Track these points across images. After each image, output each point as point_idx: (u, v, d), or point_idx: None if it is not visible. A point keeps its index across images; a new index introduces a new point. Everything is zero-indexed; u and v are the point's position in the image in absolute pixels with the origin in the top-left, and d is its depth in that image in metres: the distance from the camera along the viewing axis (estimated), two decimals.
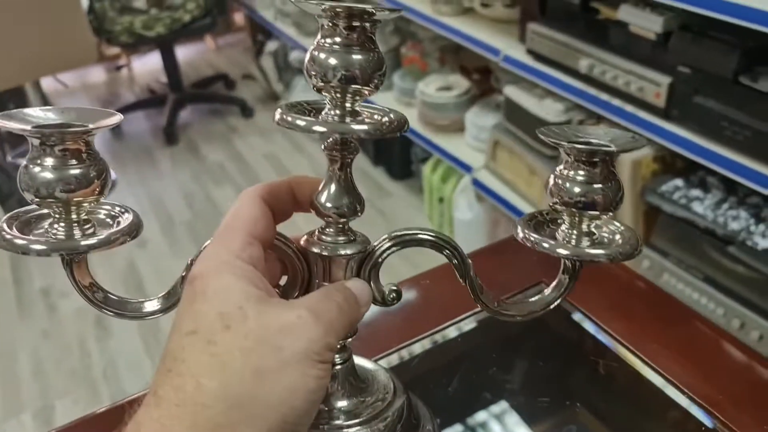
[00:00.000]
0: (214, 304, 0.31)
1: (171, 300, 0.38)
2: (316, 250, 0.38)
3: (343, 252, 0.38)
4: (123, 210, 0.38)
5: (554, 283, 0.40)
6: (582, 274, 0.39)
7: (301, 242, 0.39)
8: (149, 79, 3.46)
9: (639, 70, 1.32)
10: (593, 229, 0.39)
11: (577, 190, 0.36)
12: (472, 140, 1.94)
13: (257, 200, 0.36)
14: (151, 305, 0.38)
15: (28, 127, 0.32)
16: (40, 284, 2.07)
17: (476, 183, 1.86)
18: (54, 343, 1.86)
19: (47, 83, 3.26)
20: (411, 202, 2.31)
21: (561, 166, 0.38)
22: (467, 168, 1.90)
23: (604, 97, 1.40)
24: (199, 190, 2.52)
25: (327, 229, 0.39)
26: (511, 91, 1.70)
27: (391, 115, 0.36)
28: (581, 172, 0.37)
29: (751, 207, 1.22)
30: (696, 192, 1.28)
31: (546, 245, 0.37)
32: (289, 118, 0.34)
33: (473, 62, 2.19)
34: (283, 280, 0.40)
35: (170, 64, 2.96)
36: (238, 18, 3.97)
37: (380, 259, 0.39)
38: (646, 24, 1.29)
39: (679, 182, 1.31)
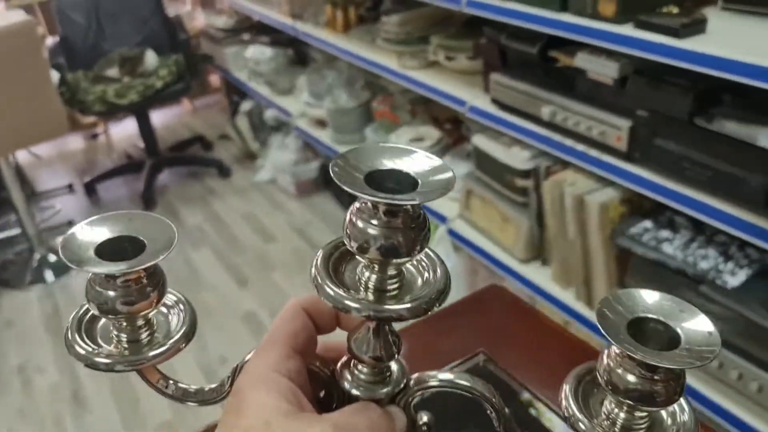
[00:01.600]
0: (246, 418, 0.32)
1: (220, 395, 0.38)
2: (351, 390, 0.37)
3: (378, 392, 0.37)
4: (177, 301, 0.38)
5: None
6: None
7: (337, 371, 0.38)
8: (126, 145, 3.47)
9: (600, 115, 1.34)
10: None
11: (631, 384, 0.31)
12: None
13: (299, 312, 0.37)
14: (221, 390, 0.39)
15: (100, 270, 0.33)
16: (17, 361, 2.02)
17: (452, 233, 1.86)
18: (30, 420, 1.81)
19: (22, 155, 3.26)
20: None
21: (615, 350, 0.32)
22: (442, 218, 1.90)
23: (569, 142, 1.42)
24: (176, 254, 2.49)
25: (362, 370, 0.37)
26: (480, 140, 1.72)
27: (436, 274, 0.34)
28: (636, 372, 0.31)
29: (719, 245, 1.22)
30: (665, 233, 1.28)
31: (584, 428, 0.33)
32: (328, 291, 0.33)
33: (444, 113, 2.22)
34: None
35: (146, 129, 2.97)
36: (214, 79, 4.02)
37: (415, 396, 0.38)
38: (603, 70, 1.32)
39: (648, 224, 1.32)
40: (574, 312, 1.52)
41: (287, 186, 2.78)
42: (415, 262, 0.36)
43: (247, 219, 2.67)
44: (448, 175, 0.31)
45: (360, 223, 0.31)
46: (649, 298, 0.32)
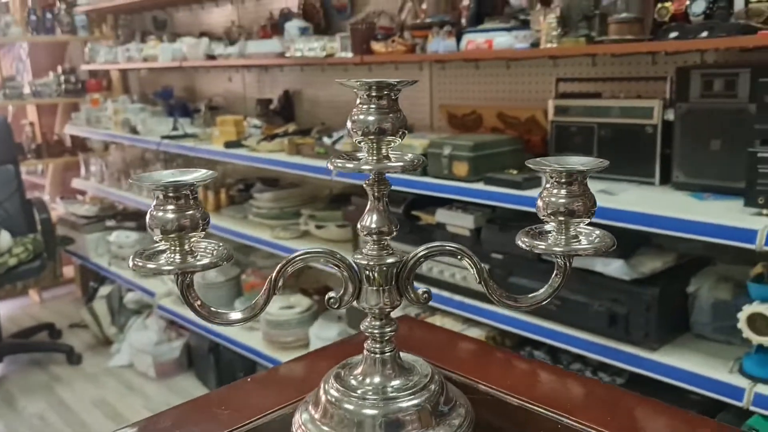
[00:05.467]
0: None
1: (253, 312, 0.51)
2: (364, 261, 0.53)
3: (386, 261, 0.53)
4: (217, 245, 0.51)
5: (550, 282, 0.53)
6: None
7: (353, 259, 0.54)
8: None
9: (459, 262, 1.49)
10: (577, 232, 0.50)
11: (562, 201, 0.48)
12: None
13: None
14: (236, 315, 0.52)
15: (153, 184, 0.47)
16: None
17: None
18: None
19: None
20: None
21: (546, 188, 0.49)
22: None
23: (434, 290, 1.54)
24: None
25: (372, 246, 0.53)
26: None
27: (410, 156, 0.53)
28: (563, 191, 0.48)
29: (576, 372, 1.35)
30: None
31: (542, 246, 0.50)
32: (339, 163, 0.51)
33: (312, 284, 2.31)
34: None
35: None
36: (68, 270, 3.87)
37: (413, 266, 0.54)
38: (460, 223, 1.50)
39: None
40: None
41: (146, 369, 2.63)
42: (400, 153, 0.53)
43: (98, 405, 2.46)
44: None
45: (360, 116, 0.50)
46: (558, 160, 0.50)
